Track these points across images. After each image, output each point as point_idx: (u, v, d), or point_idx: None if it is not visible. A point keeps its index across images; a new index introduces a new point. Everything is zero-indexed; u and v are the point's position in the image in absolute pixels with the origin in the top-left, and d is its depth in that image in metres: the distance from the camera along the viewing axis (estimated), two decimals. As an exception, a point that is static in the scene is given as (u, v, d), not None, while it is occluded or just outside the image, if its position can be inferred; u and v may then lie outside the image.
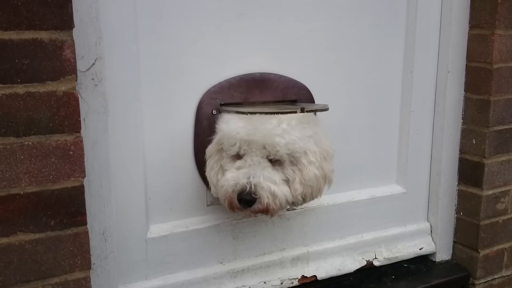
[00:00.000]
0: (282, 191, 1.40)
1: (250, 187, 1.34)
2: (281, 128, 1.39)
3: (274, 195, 1.37)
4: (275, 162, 1.42)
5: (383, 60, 1.85)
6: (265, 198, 1.36)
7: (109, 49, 1.36)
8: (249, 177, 1.35)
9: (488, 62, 1.82)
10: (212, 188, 1.48)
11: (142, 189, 1.49)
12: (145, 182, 1.50)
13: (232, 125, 1.41)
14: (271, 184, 1.37)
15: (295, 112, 1.39)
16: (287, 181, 1.43)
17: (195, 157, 1.58)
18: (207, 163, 1.48)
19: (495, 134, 1.88)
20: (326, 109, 1.49)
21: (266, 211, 1.38)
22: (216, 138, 1.46)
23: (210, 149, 1.47)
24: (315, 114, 1.61)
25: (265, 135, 1.38)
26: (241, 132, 1.39)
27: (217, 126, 1.49)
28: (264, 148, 1.39)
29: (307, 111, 1.40)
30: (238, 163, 1.40)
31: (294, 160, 1.43)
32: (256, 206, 1.36)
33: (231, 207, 1.40)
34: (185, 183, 1.59)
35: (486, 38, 1.82)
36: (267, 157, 1.40)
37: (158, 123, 1.52)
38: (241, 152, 1.40)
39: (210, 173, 1.47)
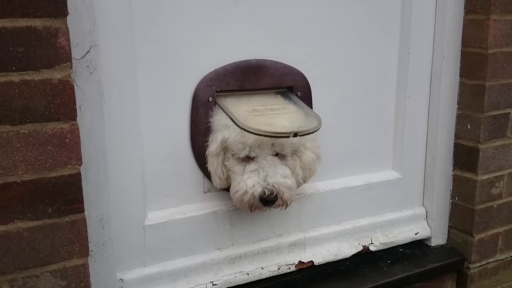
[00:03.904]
0: (293, 182, 1.50)
1: (274, 190, 1.43)
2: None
3: (290, 189, 1.48)
4: (279, 155, 1.51)
5: (378, 46, 1.85)
6: (286, 195, 1.46)
7: (104, 37, 1.36)
8: (268, 180, 1.44)
9: (483, 47, 1.83)
10: (217, 181, 1.55)
11: (139, 177, 1.50)
12: (142, 170, 1.50)
13: (239, 133, 1.46)
14: (287, 180, 1.47)
15: (288, 136, 1.43)
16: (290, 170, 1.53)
17: (192, 144, 1.59)
18: (211, 161, 1.54)
19: (490, 119, 1.88)
20: (318, 129, 1.49)
21: (283, 204, 1.48)
22: (220, 139, 1.51)
23: (213, 150, 1.52)
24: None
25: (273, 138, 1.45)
26: (250, 138, 1.45)
27: (216, 124, 1.54)
28: (273, 145, 1.47)
29: (301, 135, 1.45)
30: (252, 165, 1.47)
31: (294, 150, 1.53)
32: (277, 203, 1.46)
33: (251, 209, 1.48)
34: (182, 171, 1.59)
35: (481, 23, 1.82)
36: (275, 153, 1.49)
37: (154, 110, 1.51)
38: (251, 154, 1.47)
39: (217, 169, 1.53)
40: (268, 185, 1.43)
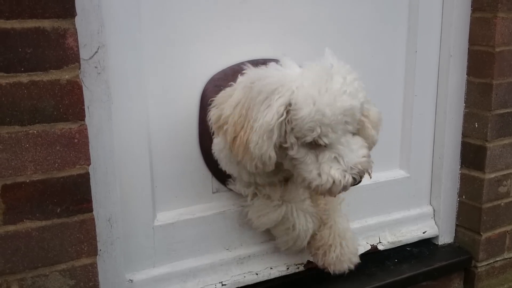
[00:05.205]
0: (368, 150, 1.36)
1: (361, 173, 1.30)
2: (355, 94, 1.27)
3: (369, 161, 1.34)
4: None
5: (386, 44, 1.85)
6: (369, 169, 1.34)
7: (112, 37, 1.36)
8: (351, 164, 1.28)
9: (490, 45, 1.82)
10: (258, 166, 1.29)
11: (148, 177, 1.50)
12: (151, 170, 1.51)
13: (309, 104, 1.21)
14: (364, 152, 1.32)
15: None
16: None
17: (200, 144, 1.59)
18: (260, 139, 1.24)
19: (497, 118, 1.88)
20: None
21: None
22: (279, 104, 1.22)
23: (268, 121, 1.22)
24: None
25: (344, 111, 1.24)
26: (327, 114, 1.22)
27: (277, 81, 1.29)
28: (346, 123, 1.27)
29: None
30: (327, 154, 1.27)
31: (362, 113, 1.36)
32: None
33: (335, 195, 1.34)
34: (190, 171, 1.60)
35: (489, 21, 1.81)
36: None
37: (163, 110, 1.52)
38: (322, 142, 1.26)
39: (267, 151, 1.25)
40: (354, 171, 1.28)
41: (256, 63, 1.60)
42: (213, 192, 1.65)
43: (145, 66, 1.45)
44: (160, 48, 1.48)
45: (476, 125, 1.90)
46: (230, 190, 1.63)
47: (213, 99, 1.41)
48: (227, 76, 1.57)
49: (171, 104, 1.53)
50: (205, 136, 1.57)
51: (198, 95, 1.56)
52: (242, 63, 1.59)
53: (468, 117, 1.92)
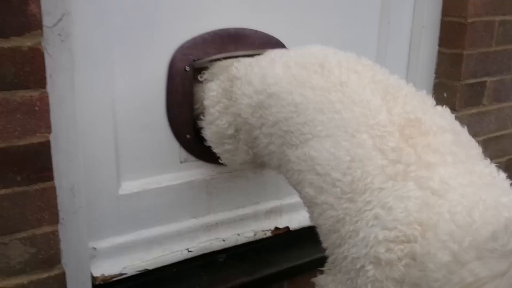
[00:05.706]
0: None
1: None
2: None
3: None
4: None
5: (359, 15, 1.84)
6: None
7: (77, 5, 1.34)
8: None
9: (462, 16, 1.82)
10: None
11: (112, 146, 1.49)
12: (115, 139, 1.50)
13: None
14: None
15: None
16: None
17: (168, 114, 1.58)
18: None
19: (466, 88, 1.89)
20: None
21: None
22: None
23: None
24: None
25: None
26: None
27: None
28: None
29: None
30: None
31: None
32: None
33: None
34: (157, 140, 1.59)
35: (462, -8, 1.81)
36: None
37: (129, 79, 1.50)
38: None
39: None
40: None
41: (227, 32, 1.60)
42: (181, 162, 1.65)
43: (111, 34, 1.43)
44: (127, 15, 1.46)
45: (445, 95, 1.91)
46: (199, 160, 1.64)
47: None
48: (197, 45, 1.56)
49: (138, 73, 1.51)
50: (173, 106, 1.57)
51: (166, 64, 1.54)
52: (213, 31, 1.58)
53: (438, 88, 1.94)
